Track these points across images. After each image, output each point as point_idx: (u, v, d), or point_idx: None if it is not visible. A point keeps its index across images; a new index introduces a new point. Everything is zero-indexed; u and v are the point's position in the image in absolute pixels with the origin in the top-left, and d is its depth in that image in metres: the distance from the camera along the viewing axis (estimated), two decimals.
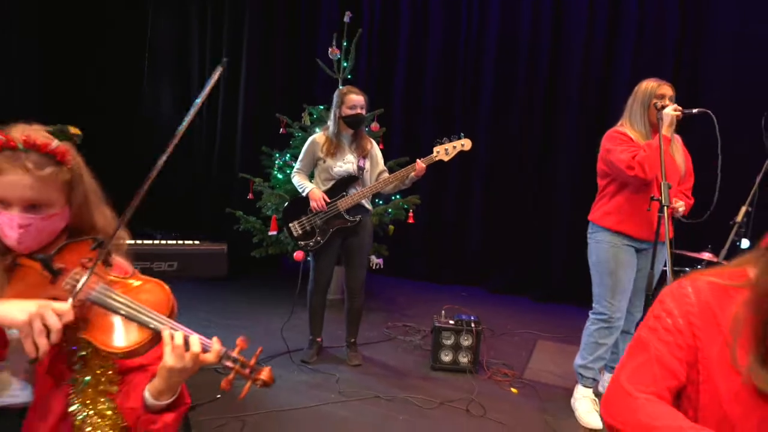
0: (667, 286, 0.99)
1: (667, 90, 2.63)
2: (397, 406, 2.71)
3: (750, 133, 3.32)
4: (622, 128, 2.70)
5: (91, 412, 1.05)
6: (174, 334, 1.02)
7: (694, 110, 2.51)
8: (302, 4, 5.57)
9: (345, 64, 4.34)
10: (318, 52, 5.04)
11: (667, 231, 2.17)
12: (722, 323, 0.89)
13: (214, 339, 1.05)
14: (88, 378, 1.06)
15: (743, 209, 3.01)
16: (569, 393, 2.86)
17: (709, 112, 2.45)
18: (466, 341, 3.11)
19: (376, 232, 3.93)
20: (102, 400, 1.07)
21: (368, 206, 3.15)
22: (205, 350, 1.02)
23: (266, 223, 4.22)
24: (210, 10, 5.41)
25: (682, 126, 2.61)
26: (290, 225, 3.05)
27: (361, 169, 3.05)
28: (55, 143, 1.07)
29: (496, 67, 5.13)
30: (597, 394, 2.78)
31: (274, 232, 3.85)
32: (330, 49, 4.27)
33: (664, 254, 2.25)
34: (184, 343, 1.01)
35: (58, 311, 0.96)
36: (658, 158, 2.36)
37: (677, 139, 2.74)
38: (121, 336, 1.03)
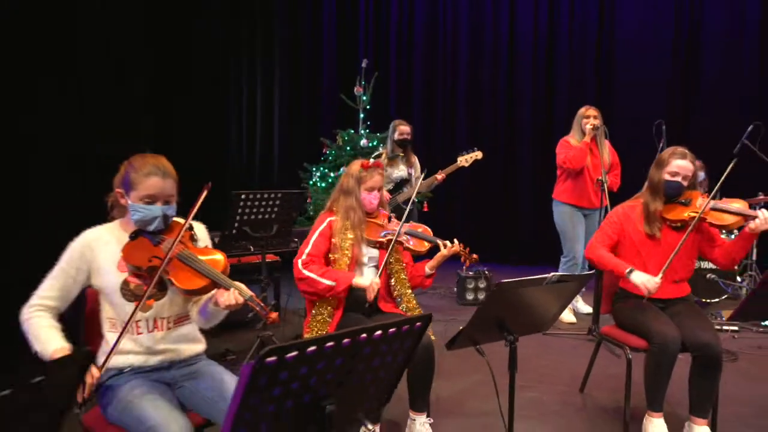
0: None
1: (592, 112, 4.31)
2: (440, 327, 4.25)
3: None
4: (569, 137, 4.38)
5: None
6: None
7: (600, 126, 4.25)
8: (323, 48, 7.11)
9: (364, 98, 5.85)
10: (333, 87, 6.59)
11: (602, 200, 3.86)
12: (630, 216, 2.53)
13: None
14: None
15: None
16: None
17: (605, 128, 4.24)
18: (482, 284, 4.72)
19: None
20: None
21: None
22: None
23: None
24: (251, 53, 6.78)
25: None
26: None
27: (410, 174, 4.57)
28: None
29: (468, 71, 6.95)
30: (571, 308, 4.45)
31: None
32: (355, 87, 5.78)
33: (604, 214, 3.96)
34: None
35: None
36: (581, 156, 4.12)
37: (606, 143, 4.43)
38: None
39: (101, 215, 1.81)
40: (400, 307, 2.52)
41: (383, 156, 4.59)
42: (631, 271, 2.46)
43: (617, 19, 6.61)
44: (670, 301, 2.60)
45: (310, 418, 1.16)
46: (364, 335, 1.15)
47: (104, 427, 1.67)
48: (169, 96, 5.34)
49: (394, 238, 2.45)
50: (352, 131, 5.93)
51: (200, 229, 1.86)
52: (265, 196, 3.12)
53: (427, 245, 2.58)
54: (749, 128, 4.68)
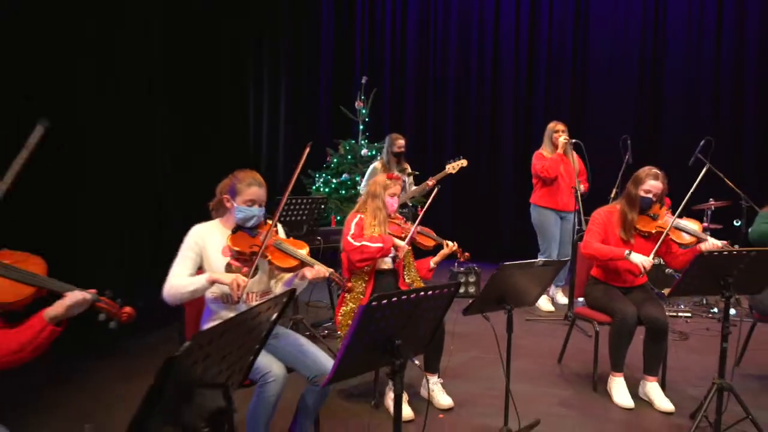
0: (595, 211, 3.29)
1: (560, 126, 4.99)
2: None
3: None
4: (541, 150, 5.06)
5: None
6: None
7: (573, 140, 4.91)
8: (321, 66, 7.71)
9: (363, 111, 6.45)
10: (330, 101, 7.18)
11: (577, 203, 4.53)
12: (610, 220, 3.18)
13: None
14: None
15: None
16: None
17: (580, 142, 4.87)
18: (472, 279, 5.35)
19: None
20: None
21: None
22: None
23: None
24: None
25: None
26: None
27: (404, 182, 5.17)
28: None
29: (455, 87, 7.64)
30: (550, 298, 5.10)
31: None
32: (356, 102, 6.37)
33: (576, 217, 4.63)
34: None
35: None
36: (555, 166, 4.83)
37: (573, 153, 5.11)
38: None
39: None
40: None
41: (380, 165, 5.17)
42: (629, 253, 3.04)
43: (590, 39, 7.39)
44: (631, 288, 3.25)
45: (386, 349, 1.75)
46: (417, 294, 1.74)
47: None
48: (195, 109, 5.77)
49: (410, 234, 3.05)
50: (353, 141, 6.53)
51: (279, 228, 2.43)
52: (297, 201, 3.70)
53: (433, 243, 3.18)
54: (701, 143, 5.43)
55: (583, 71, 7.43)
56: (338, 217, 5.83)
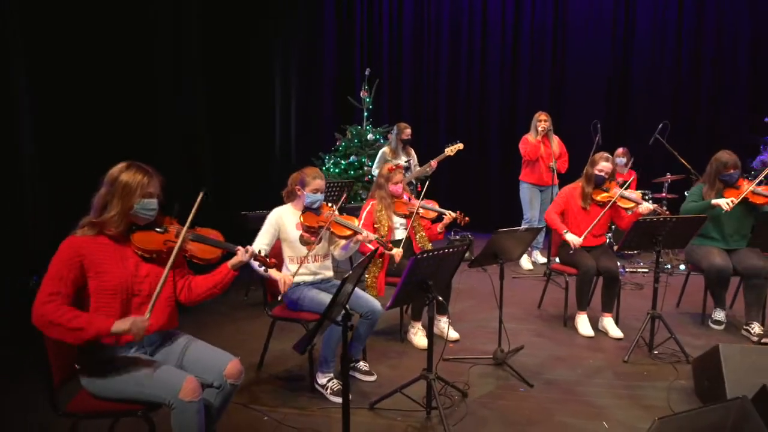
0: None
1: (543, 116, 5.90)
2: None
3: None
4: (528, 135, 5.98)
5: None
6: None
7: (549, 126, 5.85)
8: (325, 60, 8.49)
9: (367, 100, 7.27)
10: (334, 90, 7.99)
11: (552, 179, 5.48)
12: (573, 194, 4.15)
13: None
14: None
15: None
16: None
17: (557, 138, 5.82)
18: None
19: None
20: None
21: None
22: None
23: None
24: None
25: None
26: None
27: (408, 162, 6.05)
28: None
29: (448, 78, 8.55)
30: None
31: None
32: (361, 92, 7.19)
33: (555, 190, 5.60)
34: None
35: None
36: (535, 150, 5.76)
37: (555, 138, 6.03)
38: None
39: None
40: None
41: (389, 150, 6.04)
42: (566, 232, 4.05)
43: (567, 38, 8.31)
44: (594, 247, 4.21)
45: (422, 288, 2.67)
46: (442, 252, 2.65)
47: (290, 314, 3.14)
48: (227, 106, 6.59)
49: (415, 210, 3.93)
50: (359, 127, 7.36)
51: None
52: (332, 184, 4.59)
53: (434, 214, 4.06)
54: (660, 125, 6.38)
55: (561, 63, 8.39)
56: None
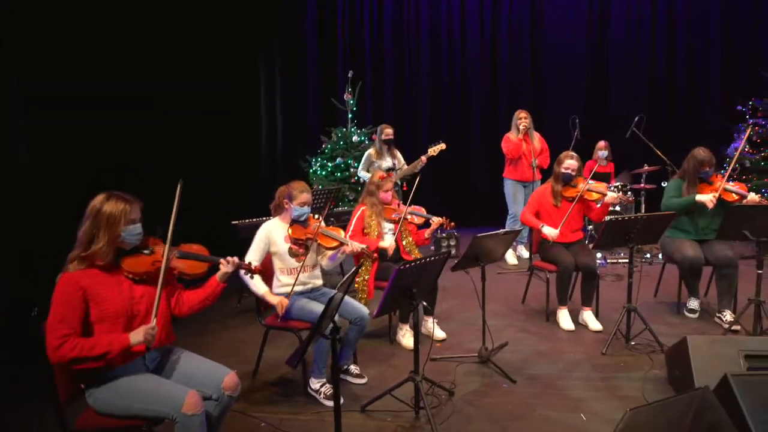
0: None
1: (523, 115, 6.06)
2: None
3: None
4: (509, 134, 6.13)
5: None
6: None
7: (529, 125, 6.01)
8: (308, 64, 8.58)
9: (351, 102, 7.37)
10: (317, 93, 8.10)
11: (534, 176, 5.65)
12: (545, 194, 4.30)
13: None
14: None
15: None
16: None
17: (538, 135, 6.00)
18: (453, 242, 6.45)
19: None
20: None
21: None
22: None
23: None
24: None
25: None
26: None
27: (394, 164, 6.18)
28: None
29: (429, 79, 8.71)
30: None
31: None
32: (345, 94, 7.30)
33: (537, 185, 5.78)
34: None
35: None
36: (517, 148, 5.91)
37: (536, 134, 6.19)
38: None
39: None
40: (411, 256, 4.18)
41: (374, 151, 6.17)
42: (543, 226, 4.22)
43: (545, 36, 8.50)
44: (571, 243, 4.37)
45: (407, 295, 2.81)
46: (424, 260, 2.79)
47: (281, 323, 3.27)
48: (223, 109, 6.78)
49: (401, 217, 4.06)
50: (344, 129, 7.47)
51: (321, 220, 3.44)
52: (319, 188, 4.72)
53: (422, 220, 4.20)
54: (636, 119, 6.56)
55: (539, 60, 8.59)
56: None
